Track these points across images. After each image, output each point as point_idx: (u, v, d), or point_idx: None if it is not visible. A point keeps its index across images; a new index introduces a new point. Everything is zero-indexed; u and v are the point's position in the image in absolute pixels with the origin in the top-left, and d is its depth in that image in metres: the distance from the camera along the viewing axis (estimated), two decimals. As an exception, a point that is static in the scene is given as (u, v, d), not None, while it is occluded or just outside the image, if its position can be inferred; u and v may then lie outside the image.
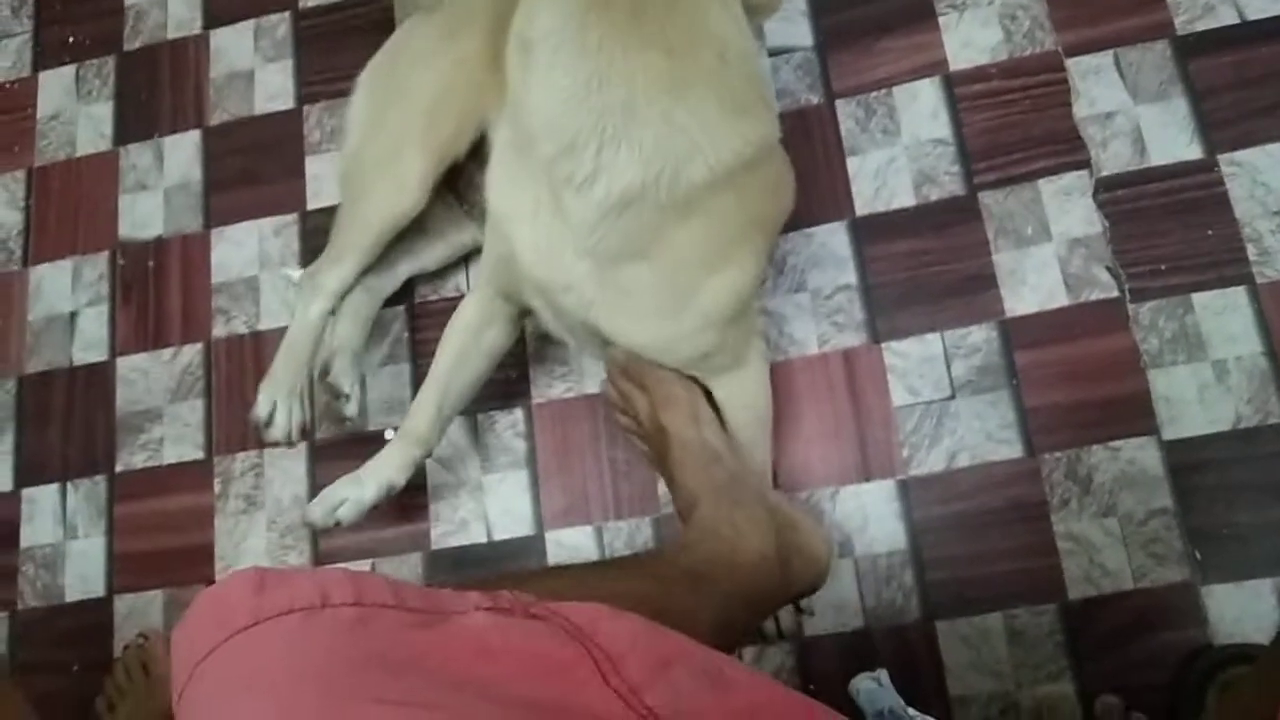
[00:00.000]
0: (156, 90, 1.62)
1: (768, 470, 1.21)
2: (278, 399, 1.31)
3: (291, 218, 1.50)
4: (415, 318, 1.42)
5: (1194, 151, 1.27)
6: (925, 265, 1.30)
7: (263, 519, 1.39)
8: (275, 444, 1.35)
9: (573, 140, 0.87)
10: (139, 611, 1.39)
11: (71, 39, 1.69)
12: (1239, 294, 1.22)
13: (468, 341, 1.20)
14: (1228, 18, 1.30)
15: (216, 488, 1.42)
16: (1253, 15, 1.29)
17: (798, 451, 1.27)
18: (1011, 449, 1.22)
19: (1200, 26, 1.31)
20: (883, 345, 1.28)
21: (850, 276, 1.31)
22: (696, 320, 1.03)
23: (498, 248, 1.07)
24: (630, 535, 1.28)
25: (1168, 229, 1.25)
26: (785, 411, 1.28)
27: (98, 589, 1.41)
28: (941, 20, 1.38)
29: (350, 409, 1.30)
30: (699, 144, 0.88)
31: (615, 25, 0.84)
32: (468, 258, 1.41)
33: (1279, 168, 1.24)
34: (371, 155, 1.27)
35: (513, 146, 0.98)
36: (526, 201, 0.98)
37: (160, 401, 1.47)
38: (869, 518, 1.22)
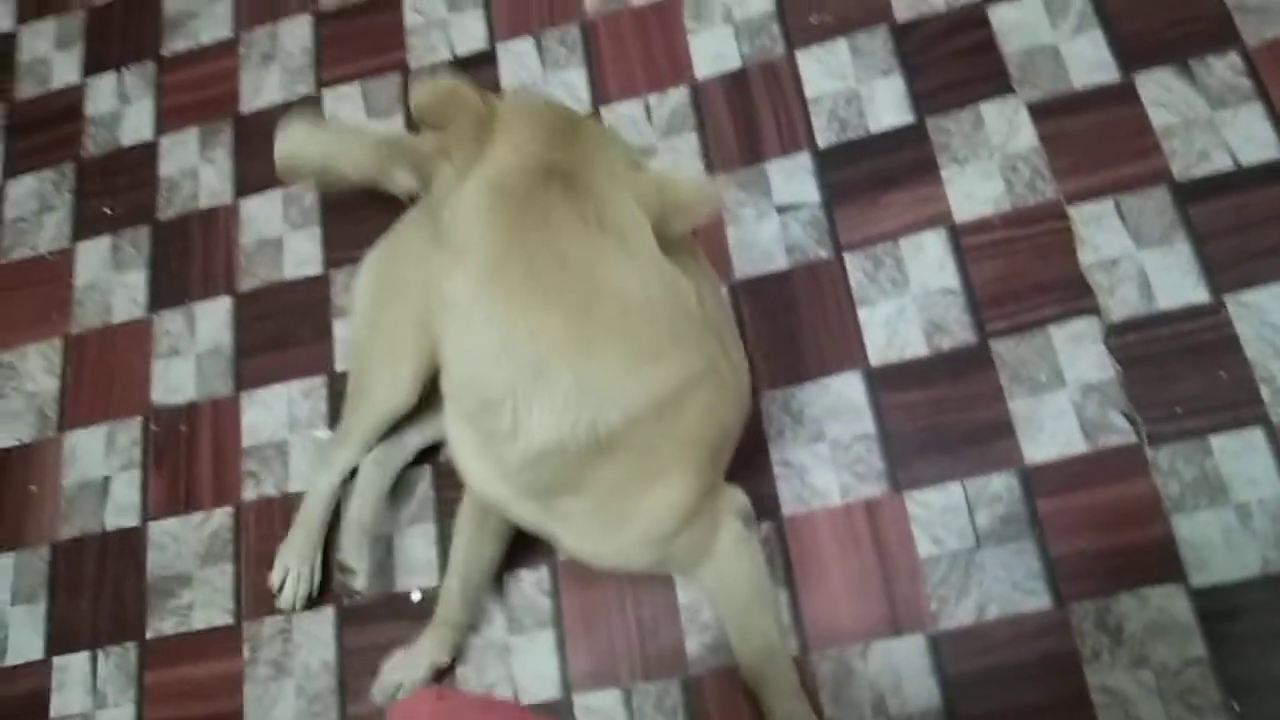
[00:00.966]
0: (189, 258, 1.69)
1: (778, 648, 1.21)
2: (289, 566, 1.40)
3: (320, 380, 1.54)
4: (440, 475, 1.44)
5: (1201, 294, 1.29)
6: (942, 413, 1.31)
7: (291, 686, 1.39)
8: (282, 611, 1.40)
9: (488, 400, 0.91)
10: (168, 783, 1.38)
11: (109, 210, 1.76)
12: (1256, 435, 1.22)
13: (473, 531, 1.28)
14: (1223, 164, 1.34)
15: (245, 653, 1.42)
16: (1247, 161, 1.33)
17: (825, 606, 1.26)
18: (1040, 599, 1.21)
19: (1197, 173, 1.34)
20: (905, 494, 1.29)
21: (868, 426, 1.33)
22: (637, 537, 1.06)
23: None
24: (659, 697, 1.27)
25: (1180, 372, 1.26)
26: (811, 565, 1.28)
27: (127, 760, 1.41)
28: (944, 174, 1.42)
29: (359, 583, 1.33)
30: (610, 395, 0.91)
31: (512, 290, 0.88)
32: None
33: (1287, 308, 1.26)
34: (371, 351, 1.36)
35: (449, 396, 1.02)
36: (468, 434, 1.02)
37: (190, 566, 1.49)
38: (901, 675, 1.21)
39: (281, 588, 1.39)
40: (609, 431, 0.92)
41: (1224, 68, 1.38)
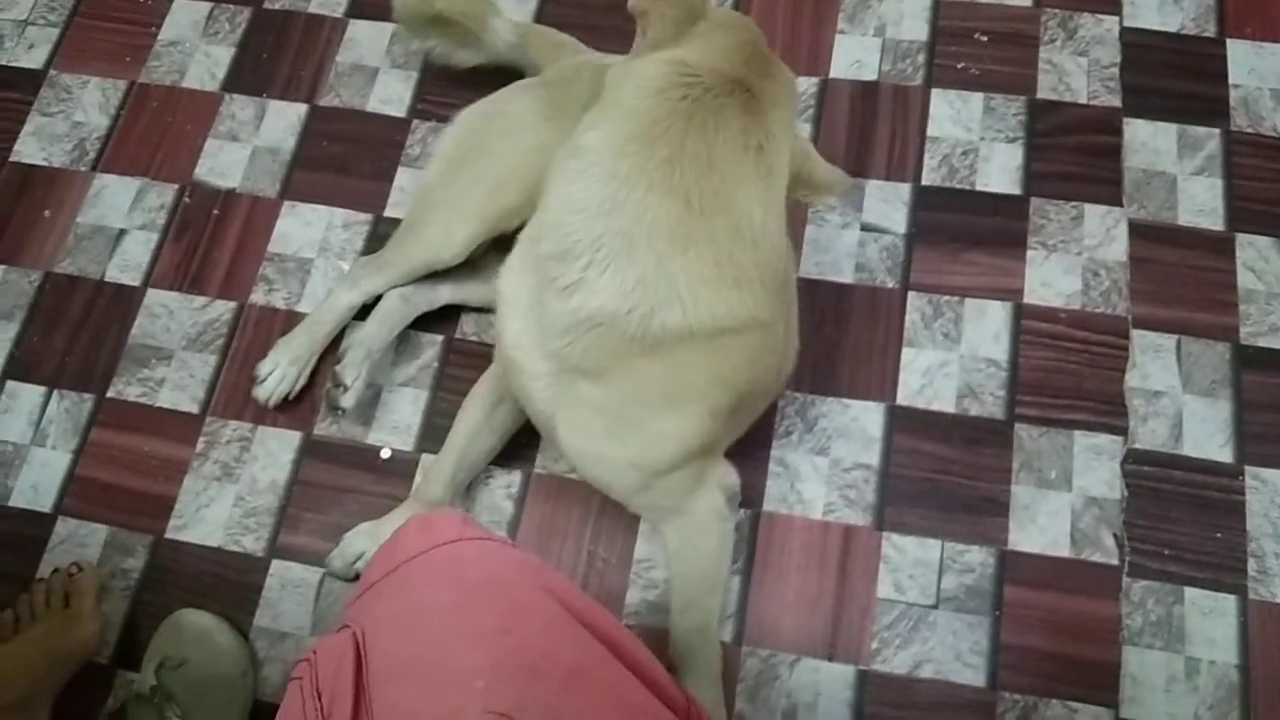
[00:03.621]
0: (280, 54, 1.66)
1: (712, 632, 1.19)
2: (280, 362, 1.38)
3: (366, 218, 1.52)
4: (450, 352, 1.43)
5: (1225, 455, 1.31)
6: (946, 473, 1.32)
7: (233, 493, 1.37)
8: (256, 400, 1.39)
9: (569, 248, 0.92)
10: (78, 539, 1.36)
11: (217, -21, 1.73)
12: (1230, 602, 1.24)
13: (480, 418, 1.26)
14: (1289, 344, 1.36)
15: (199, 446, 1.40)
16: (1312, 349, 1.36)
17: (772, 608, 1.27)
18: (976, 676, 1.22)
19: (1262, 342, 1.36)
20: (884, 534, 1.29)
21: (873, 458, 1.33)
22: (633, 454, 1.05)
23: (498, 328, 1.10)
24: (586, 632, 1.27)
25: (1180, 518, 1.28)
26: (772, 565, 1.29)
27: (46, 504, 1.38)
28: (1029, 254, 1.43)
29: (346, 400, 1.32)
30: (681, 296, 0.91)
31: (649, 163, 0.89)
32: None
33: (1299, 498, 1.28)
34: (437, 197, 1.33)
35: (529, 238, 1.03)
36: (524, 290, 1.03)
37: (175, 344, 1.46)
38: (820, 696, 1.22)
39: (265, 380, 1.38)
40: (661, 331, 0.92)
41: (1322, 258, 1.40)
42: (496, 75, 1.45)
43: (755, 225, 0.92)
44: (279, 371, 1.37)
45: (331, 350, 1.41)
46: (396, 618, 0.74)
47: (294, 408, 1.41)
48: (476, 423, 1.26)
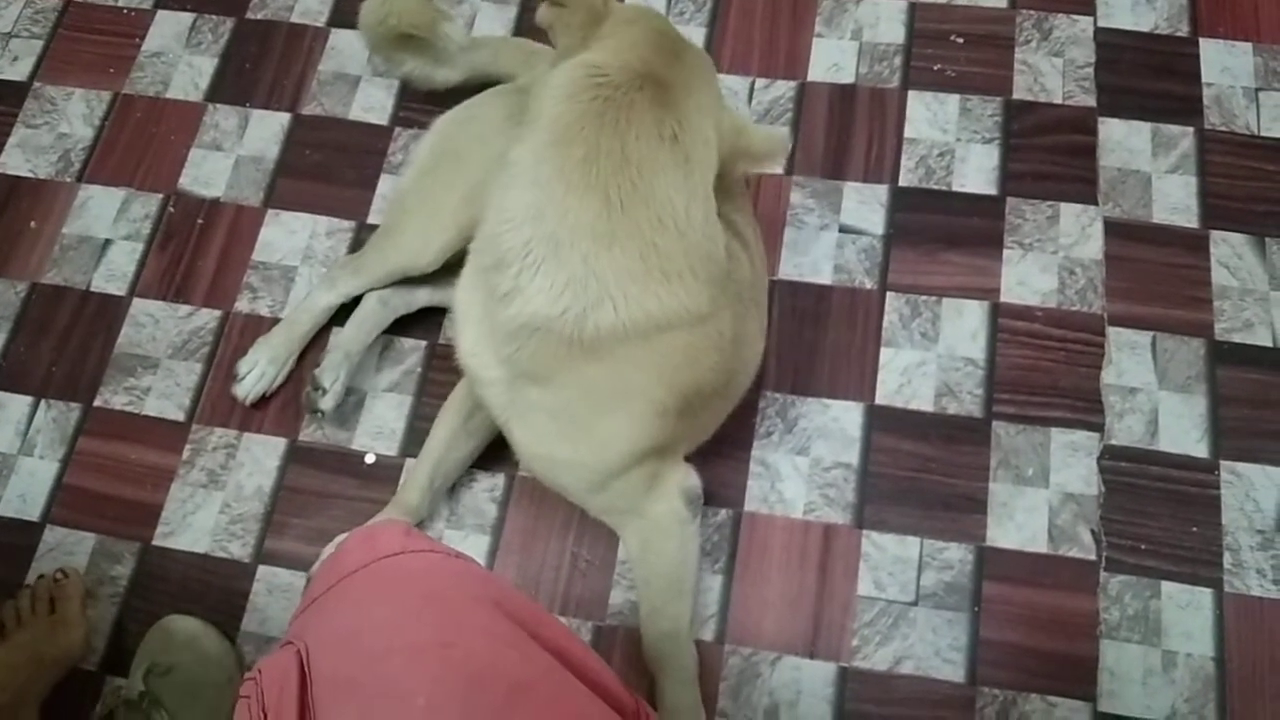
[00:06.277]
0: (262, 64, 1.67)
1: (684, 636, 1.19)
2: (259, 361, 1.41)
3: (349, 225, 1.53)
4: (433, 357, 1.44)
5: (1201, 450, 1.32)
6: (925, 471, 1.33)
7: (219, 500, 1.38)
8: (234, 397, 1.41)
9: (502, 258, 0.94)
10: (66, 548, 1.37)
11: (200, -11, 1.74)
12: (1205, 595, 1.25)
13: (457, 424, 1.28)
14: (1263, 339, 1.37)
15: (185, 454, 1.41)
16: (1285, 344, 1.37)
17: (753, 607, 1.28)
18: (955, 671, 1.23)
19: (1237, 338, 1.38)
20: (864, 532, 1.31)
21: (853, 457, 1.35)
22: (584, 456, 1.07)
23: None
24: (569, 633, 1.28)
25: (1157, 513, 1.30)
26: (754, 564, 1.30)
27: (34, 512, 1.39)
28: (1006, 253, 1.44)
29: (325, 403, 1.34)
30: (611, 294, 0.92)
31: (566, 164, 0.91)
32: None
33: (1274, 491, 1.29)
34: (413, 204, 1.35)
35: (474, 252, 1.05)
36: (476, 301, 1.04)
37: (160, 353, 1.47)
38: (802, 694, 1.23)
39: (244, 378, 1.40)
40: (596, 331, 0.93)
41: (1295, 254, 1.42)
42: (477, 87, 1.46)
43: (679, 213, 0.93)
44: (258, 370, 1.39)
45: (312, 352, 1.43)
46: (339, 635, 0.74)
47: (279, 415, 1.42)
48: (453, 428, 1.27)
